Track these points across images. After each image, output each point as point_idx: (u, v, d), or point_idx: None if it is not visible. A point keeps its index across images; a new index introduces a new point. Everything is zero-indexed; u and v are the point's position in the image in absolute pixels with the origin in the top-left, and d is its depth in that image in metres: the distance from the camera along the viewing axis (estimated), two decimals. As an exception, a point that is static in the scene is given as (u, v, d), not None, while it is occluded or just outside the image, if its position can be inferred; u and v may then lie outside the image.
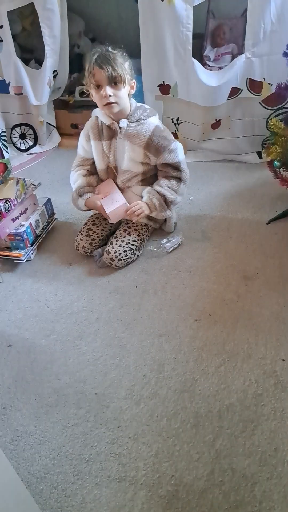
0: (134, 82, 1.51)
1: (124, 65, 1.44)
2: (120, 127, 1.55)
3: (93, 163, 1.70)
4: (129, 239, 1.63)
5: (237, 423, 1.08)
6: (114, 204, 1.61)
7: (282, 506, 0.91)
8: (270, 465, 0.98)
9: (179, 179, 1.62)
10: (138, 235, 1.66)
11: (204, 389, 1.17)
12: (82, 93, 2.61)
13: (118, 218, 1.64)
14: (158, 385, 1.20)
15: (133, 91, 1.53)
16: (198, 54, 2.36)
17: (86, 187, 1.68)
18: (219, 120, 2.21)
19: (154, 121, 1.58)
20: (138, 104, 1.59)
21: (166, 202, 1.61)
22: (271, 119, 1.76)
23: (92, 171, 1.72)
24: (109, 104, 1.48)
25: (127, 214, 1.60)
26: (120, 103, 1.49)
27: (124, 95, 1.49)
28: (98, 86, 1.46)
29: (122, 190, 1.66)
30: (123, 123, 1.54)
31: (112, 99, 1.46)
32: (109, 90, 1.45)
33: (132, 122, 1.55)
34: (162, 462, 1.01)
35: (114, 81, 1.44)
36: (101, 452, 1.05)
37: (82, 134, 1.69)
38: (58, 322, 1.43)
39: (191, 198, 2.00)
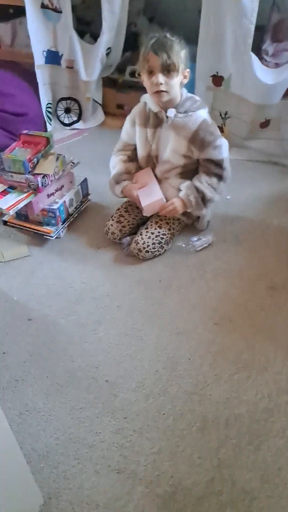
0: (188, 71, 1.47)
1: (180, 54, 1.40)
2: (167, 116, 1.51)
3: (135, 149, 1.68)
4: (159, 232, 1.61)
5: (244, 435, 1.07)
6: (151, 197, 1.59)
7: (278, 527, 0.90)
8: (272, 483, 0.97)
9: (220, 177, 1.57)
10: (169, 229, 1.64)
11: (215, 394, 1.16)
12: (132, 74, 2.56)
13: (152, 212, 1.62)
14: (169, 383, 1.19)
15: (185, 81, 1.48)
16: (257, 47, 2.26)
17: (124, 174, 1.67)
18: (269, 119, 2.14)
19: (203, 114, 1.53)
20: (189, 95, 1.55)
21: (204, 200, 1.58)
22: None
23: (133, 157, 1.70)
24: (159, 92, 1.44)
25: (160, 211, 1.58)
26: (171, 92, 1.46)
27: (175, 84, 1.44)
28: (151, 72, 1.43)
29: (159, 181, 1.63)
30: (171, 112, 1.50)
31: (163, 87, 1.43)
32: (161, 78, 1.41)
33: (180, 113, 1.51)
34: (164, 461, 1.02)
35: (168, 69, 1.40)
36: (105, 440, 1.06)
37: (128, 118, 1.66)
38: (79, 304, 1.44)
39: (228, 197, 1.96)
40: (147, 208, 1.60)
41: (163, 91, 1.44)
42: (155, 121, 1.56)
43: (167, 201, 1.60)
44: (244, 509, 0.92)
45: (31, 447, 1.04)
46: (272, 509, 0.93)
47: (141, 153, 1.65)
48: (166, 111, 1.51)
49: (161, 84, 1.41)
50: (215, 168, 1.56)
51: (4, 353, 1.28)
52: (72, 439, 1.06)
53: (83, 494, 0.95)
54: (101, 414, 1.12)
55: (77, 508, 0.93)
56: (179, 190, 1.61)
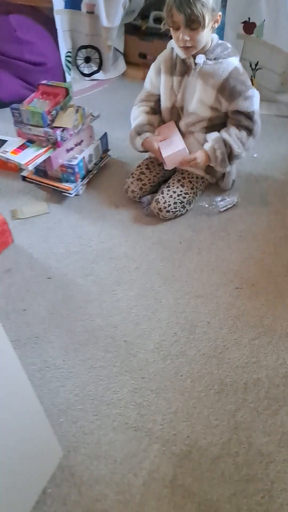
0: (219, 15, 1.34)
1: (207, 3, 1.26)
2: (195, 63, 1.41)
3: (159, 100, 1.59)
4: (181, 191, 1.55)
5: (262, 399, 1.06)
6: (172, 148, 1.51)
7: (293, 489, 0.91)
8: (288, 448, 0.97)
9: (250, 131, 1.47)
10: (192, 188, 1.58)
11: (234, 358, 1.15)
12: (156, 20, 2.39)
13: (174, 164, 1.55)
14: (187, 346, 1.19)
15: (216, 25, 1.36)
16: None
17: (146, 125, 1.58)
18: (303, 71, 1.99)
19: (234, 61, 1.41)
20: (220, 41, 1.43)
21: (231, 156, 1.49)
22: None
23: (156, 109, 1.61)
24: (185, 47, 1.35)
25: (181, 162, 1.51)
26: (198, 46, 1.36)
27: (203, 38, 1.34)
28: (176, 27, 1.32)
29: (183, 135, 1.55)
30: (200, 59, 1.40)
31: (188, 44, 1.34)
32: (186, 34, 1.31)
33: (210, 60, 1.40)
34: (180, 421, 1.03)
35: (193, 25, 1.29)
36: (122, 399, 1.07)
37: (152, 66, 1.56)
38: (98, 264, 1.42)
39: (255, 155, 1.86)
40: (169, 160, 1.52)
41: (190, 47, 1.35)
42: (182, 68, 1.45)
43: (190, 153, 1.52)
44: (260, 471, 0.93)
45: (51, 402, 1.06)
46: None
47: (165, 104, 1.56)
48: (194, 58, 1.40)
49: (187, 40, 1.32)
50: (245, 120, 1.46)
51: (24, 310, 1.29)
52: (91, 396, 1.08)
53: (100, 449, 0.97)
54: (119, 373, 1.13)
55: (95, 462, 0.95)
56: (206, 142, 1.52)
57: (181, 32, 1.31)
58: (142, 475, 0.93)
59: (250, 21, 1.98)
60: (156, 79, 1.56)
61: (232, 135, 1.47)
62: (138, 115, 1.61)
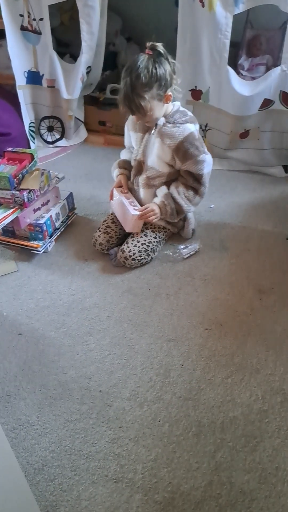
0: (169, 95, 1.47)
1: (150, 90, 1.40)
2: (156, 124, 1.55)
3: None
4: (145, 240, 1.63)
5: (240, 437, 1.07)
6: (127, 221, 1.64)
7: (278, 526, 0.89)
8: (269, 483, 0.97)
9: (196, 191, 1.62)
10: (155, 237, 1.66)
11: (209, 399, 1.16)
12: (112, 91, 2.62)
13: (132, 228, 1.64)
14: (163, 390, 1.19)
15: (169, 102, 1.51)
16: (233, 62, 2.35)
17: (128, 162, 1.76)
18: (248, 130, 2.20)
19: (191, 127, 1.56)
20: (181, 109, 1.59)
21: (179, 211, 1.63)
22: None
23: None
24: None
25: (141, 217, 1.60)
26: (153, 123, 1.55)
27: (154, 116, 1.50)
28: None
29: (145, 187, 1.65)
30: (161, 121, 1.55)
31: (140, 122, 1.56)
32: (138, 118, 1.53)
33: (169, 123, 1.55)
34: (161, 468, 1.01)
35: (138, 114, 1.48)
36: (101, 451, 1.05)
37: (126, 124, 1.74)
38: (69, 316, 1.44)
39: (212, 206, 1.99)
40: (127, 227, 1.65)
41: (144, 123, 1.56)
42: (144, 126, 1.61)
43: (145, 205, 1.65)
44: (244, 510, 0.92)
45: (26, 461, 1.02)
46: (271, 509, 0.92)
47: (133, 156, 1.72)
48: None
49: (138, 121, 1.54)
50: (193, 182, 1.60)
51: (-6, 368, 1.26)
52: (68, 451, 1.05)
53: (81, 505, 0.93)
54: (96, 425, 1.11)
55: (75, 520, 0.91)
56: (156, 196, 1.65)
57: (134, 117, 1.53)
58: (125, 528, 0.89)
59: (197, 89, 2.21)
60: (127, 135, 1.75)
61: (180, 193, 1.61)
62: (125, 154, 1.80)
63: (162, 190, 1.62)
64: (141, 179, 1.67)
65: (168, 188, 1.63)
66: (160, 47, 1.41)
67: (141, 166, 1.66)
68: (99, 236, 1.68)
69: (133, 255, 1.59)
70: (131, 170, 1.73)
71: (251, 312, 1.43)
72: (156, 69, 1.39)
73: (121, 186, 1.73)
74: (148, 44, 1.42)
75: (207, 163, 1.59)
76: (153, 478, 0.99)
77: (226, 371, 1.24)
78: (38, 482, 0.98)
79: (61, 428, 1.10)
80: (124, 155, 1.81)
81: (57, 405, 1.16)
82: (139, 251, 1.60)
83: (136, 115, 1.49)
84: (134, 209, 1.61)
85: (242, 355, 1.28)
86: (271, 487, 0.96)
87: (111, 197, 1.73)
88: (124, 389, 1.20)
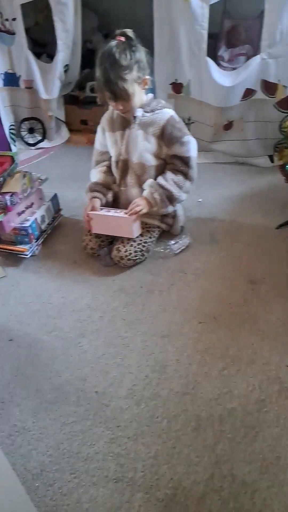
0: (147, 78, 1.48)
1: (130, 72, 1.40)
2: (134, 117, 1.53)
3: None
4: (141, 240, 1.61)
5: (239, 428, 1.06)
6: (125, 229, 1.57)
7: (282, 516, 0.89)
8: (271, 473, 0.96)
9: (185, 175, 1.58)
10: (150, 237, 1.64)
11: (206, 392, 1.16)
12: (92, 89, 2.59)
13: (136, 229, 1.59)
14: (159, 386, 1.18)
15: (147, 87, 1.51)
16: (212, 54, 2.33)
17: (100, 185, 1.66)
18: (231, 121, 2.19)
19: (170, 111, 1.56)
20: (154, 98, 1.59)
21: (170, 198, 1.57)
22: (284, 122, 1.74)
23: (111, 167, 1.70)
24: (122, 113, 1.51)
25: (131, 214, 1.55)
26: (132, 109, 1.51)
27: (135, 102, 1.48)
28: (109, 99, 1.48)
29: (137, 184, 1.62)
30: (139, 112, 1.53)
31: (121, 111, 1.50)
32: (119, 105, 1.48)
33: (147, 112, 1.54)
34: (161, 465, 1.00)
35: (120, 99, 1.45)
36: (99, 451, 1.03)
37: (98, 127, 1.69)
38: (60, 319, 1.42)
39: (200, 200, 1.98)
40: (130, 233, 1.58)
41: (124, 112, 1.51)
42: (122, 123, 1.58)
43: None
44: (246, 501, 0.91)
45: (23, 467, 1.01)
46: (274, 499, 0.92)
47: (113, 159, 1.65)
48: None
49: (121, 108, 1.49)
50: (181, 165, 1.56)
51: (-13, 376, 1.24)
52: (66, 454, 1.03)
53: (82, 508, 0.92)
54: (94, 426, 1.09)
55: (77, 524, 0.90)
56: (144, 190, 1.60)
57: (113, 104, 1.47)
58: (128, 528, 0.88)
59: (178, 82, 2.19)
60: (102, 138, 1.68)
61: (168, 180, 1.56)
62: (95, 174, 1.70)
63: (148, 182, 1.59)
64: (130, 178, 1.63)
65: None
66: (130, 32, 1.41)
67: (126, 166, 1.62)
68: (90, 241, 1.65)
69: (129, 255, 1.57)
70: (104, 192, 1.66)
71: (244, 303, 1.43)
72: (133, 51, 1.40)
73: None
74: (118, 31, 1.41)
75: (193, 144, 1.57)
76: (154, 476, 0.98)
77: (222, 364, 1.23)
78: (37, 487, 0.96)
79: (58, 431, 1.08)
80: (94, 175, 1.70)
81: (53, 409, 1.14)
82: (135, 251, 1.58)
83: (119, 101, 1.45)
84: (125, 213, 1.56)
85: (237, 347, 1.28)
86: (273, 476, 0.96)
87: (88, 221, 1.61)
88: (120, 388, 1.18)
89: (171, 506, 0.92)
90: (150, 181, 1.58)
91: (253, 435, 1.04)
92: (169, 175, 1.57)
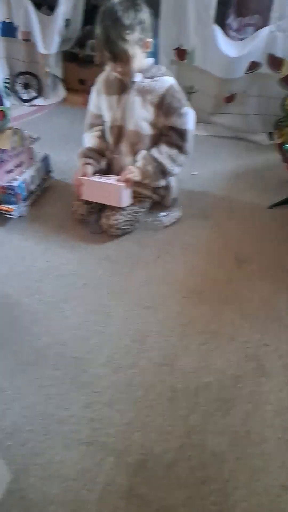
0: (148, 41, 1.41)
1: (132, 33, 1.33)
2: (133, 81, 1.47)
3: None
4: (132, 209, 1.57)
5: (213, 401, 1.08)
6: (115, 197, 1.52)
7: (247, 486, 0.91)
8: (240, 446, 0.99)
9: (180, 149, 1.53)
10: (141, 207, 1.61)
11: (184, 365, 1.17)
12: (93, 48, 2.48)
13: (126, 198, 1.54)
14: (138, 356, 1.19)
15: (148, 50, 1.44)
16: (221, 21, 2.24)
17: (93, 152, 1.60)
18: (234, 94, 2.14)
19: (170, 80, 1.49)
20: (155, 64, 1.52)
21: (163, 172, 1.54)
22: (287, 100, 1.70)
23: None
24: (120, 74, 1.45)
25: (124, 181, 1.51)
26: (131, 73, 1.44)
27: (134, 64, 1.41)
28: (108, 60, 1.41)
29: (131, 153, 1.57)
30: (137, 77, 1.46)
31: (121, 73, 1.43)
32: (118, 66, 1.41)
33: (147, 78, 1.47)
34: (134, 431, 1.01)
35: (120, 59, 1.38)
36: (74, 415, 1.04)
37: (93, 88, 1.61)
38: (43, 283, 1.40)
39: (195, 173, 1.95)
40: (120, 202, 1.53)
41: (122, 75, 1.44)
42: (120, 87, 1.51)
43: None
44: (214, 471, 0.93)
45: (-3, 426, 1.01)
46: (241, 470, 0.94)
47: (107, 124, 1.59)
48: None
49: (120, 70, 1.41)
50: (177, 138, 1.52)
51: None
52: (40, 415, 1.04)
53: (52, 468, 0.93)
54: (70, 390, 1.10)
55: (47, 483, 0.91)
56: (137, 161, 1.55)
57: (112, 65, 1.41)
58: (97, 489, 0.90)
59: (182, 48, 2.11)
60: (97, 100, 1.60)
61: (162, 153, 1.52)
62: (89, 139, 1.64)
63: (141, 153, 1.55)
64: (124, 146, 1.58)
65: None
66: None
67: (120, 132, 1.57)
68: (79, 207, 1.61)
69: (118, 223, 1.54)
70: (98, 159, 1.60)
71: (229, 280, 1.43)
72: (137, 11, 1.33)
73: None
74: None
75: (191, 116, 1.52)
76: (126, 441, 0.99)
77: (201, 338, 1.24)
78: (9, 446, 0.97)
79: (34, 393, 1.09)
80: (88, 140, 1.63)
81: (30, 371, 1.14)
82: (125, 221, 1.55)
83: (118, 62, 1.39)
84: (117, 181, 1.52)
85: (219, 323, 1.28)
86: (242, 449, 0.98)
87: (78, 186, 1.56)
88: (100, 355, 1.18)
89: (141, 471, 0.93)
90: (143, 152, 1.54)
91: (226, 409, 1.06)
92: (164, 148, 1.52)
